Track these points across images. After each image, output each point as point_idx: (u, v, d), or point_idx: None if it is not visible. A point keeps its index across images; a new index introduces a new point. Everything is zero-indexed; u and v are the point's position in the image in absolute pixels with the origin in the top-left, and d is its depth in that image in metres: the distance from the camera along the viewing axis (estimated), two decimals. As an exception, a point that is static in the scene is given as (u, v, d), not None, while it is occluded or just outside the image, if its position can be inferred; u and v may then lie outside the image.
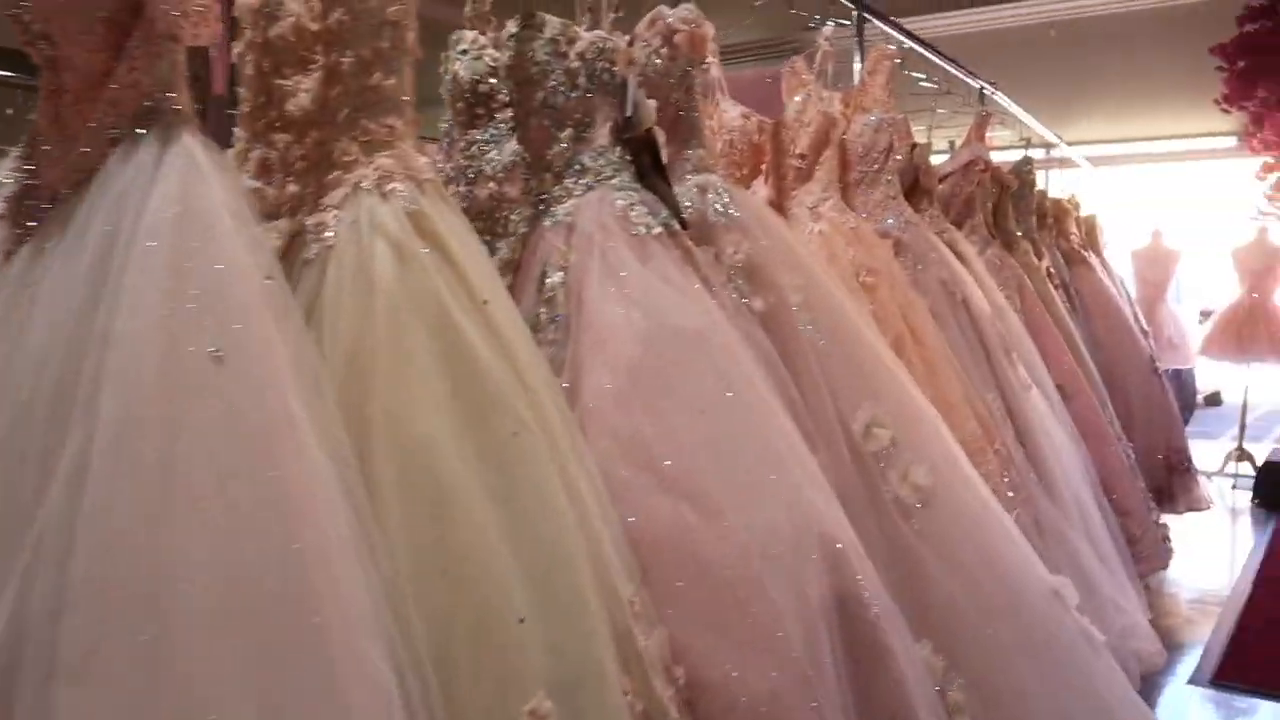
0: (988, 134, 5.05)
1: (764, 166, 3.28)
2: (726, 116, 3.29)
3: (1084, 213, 6.84)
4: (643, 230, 2.15)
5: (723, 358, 2.00)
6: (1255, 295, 7.35)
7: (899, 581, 2.30)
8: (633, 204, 2.19)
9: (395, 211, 1.66)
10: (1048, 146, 7.25)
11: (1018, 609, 2.28)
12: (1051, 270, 5.27)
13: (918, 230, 3.49)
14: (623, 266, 2.09)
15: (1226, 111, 7.64)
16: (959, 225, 4.35)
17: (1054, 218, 5.99)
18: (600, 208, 2.19)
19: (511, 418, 1.62)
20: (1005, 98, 5.46)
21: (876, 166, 3.50)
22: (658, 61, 2.51)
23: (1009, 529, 2.39)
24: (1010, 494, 2.98)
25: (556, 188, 2.28)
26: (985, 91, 5.22)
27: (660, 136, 2.30)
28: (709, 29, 2.55)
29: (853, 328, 2.49)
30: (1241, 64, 7.32)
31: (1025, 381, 3.47)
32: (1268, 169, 7.51)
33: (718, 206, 2.49)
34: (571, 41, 2.28)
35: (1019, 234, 5.05)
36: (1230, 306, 7.49)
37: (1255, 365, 7.39)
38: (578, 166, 2.27)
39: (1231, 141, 8.09)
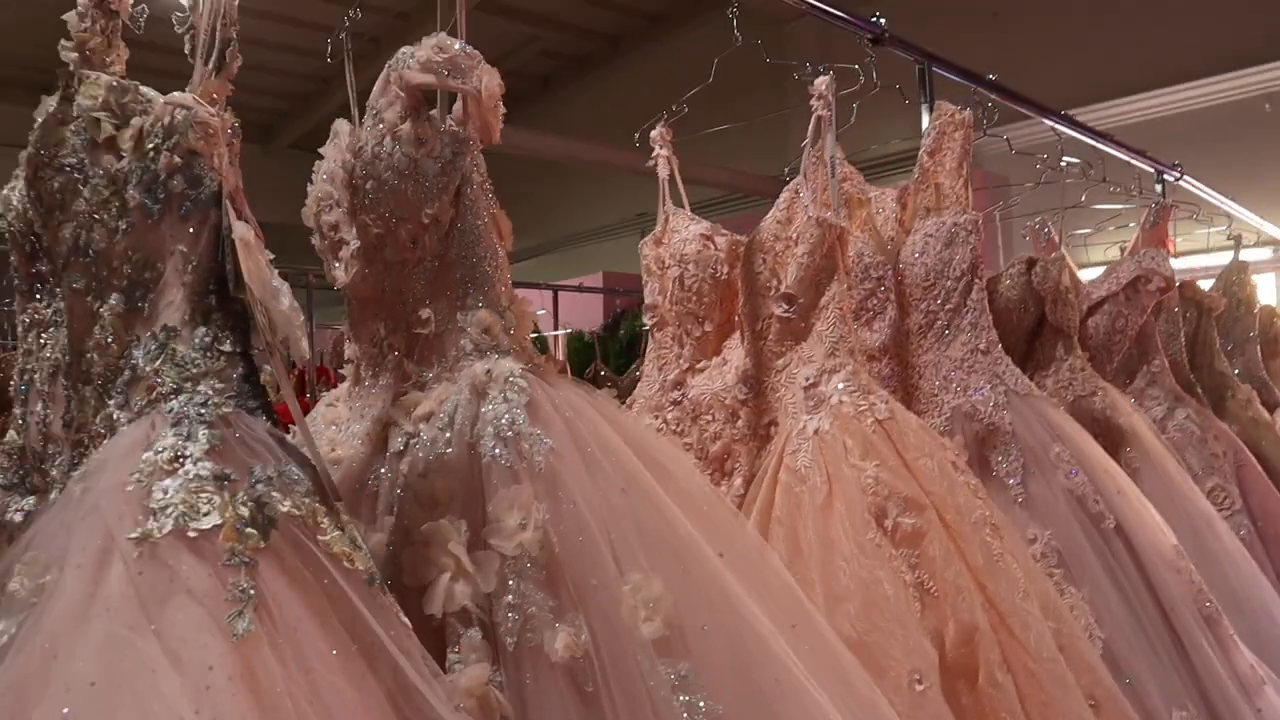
0: (1172, 235, 3.50)
1: (739, 316, 1.95)
2: (678, 239, 2.00)
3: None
4: (167, 525, 0.90)
5: None
6: None
7: None
8: (176, 459, 0.95)
9: None
10: (1274, 244, 5.52)
11: None
12: (1293, 423, 3.59)
13: (1030, 405, 2.05)
14: (81, 628, 0.86)
15: None
16: (1129, 377, 2.83)
17: (1291, 343, 4.28)
18: (118, 470, 0.97)
19: None
20: (1200, 185, 3.89)
21: (953, 302, 2.11)
22: (394, 148, 1.28)
23: None
24: None
25: (99, 416, 1.07)
26: (1167, 178, 3.69)
27: (276, 296, 1.03)
28: (495, 77, 1.31)
29: (788, 686, 1.11)
30: None
31: (1251, 675, 1.91)
32: None
33: (503, 425, 1.19)
34: (123, 117, 1.08)
35: (1233, 373, 3.43)
36: None
37: None
38: (127, 374, 1.06)
39: None
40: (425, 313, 1.32)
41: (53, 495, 1.07)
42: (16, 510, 1.29)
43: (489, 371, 1.25)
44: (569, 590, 1.11)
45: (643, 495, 1.19)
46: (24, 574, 0.95)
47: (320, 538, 0.99)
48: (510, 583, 1.11)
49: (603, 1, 7.99)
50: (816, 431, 1.69)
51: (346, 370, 1.49)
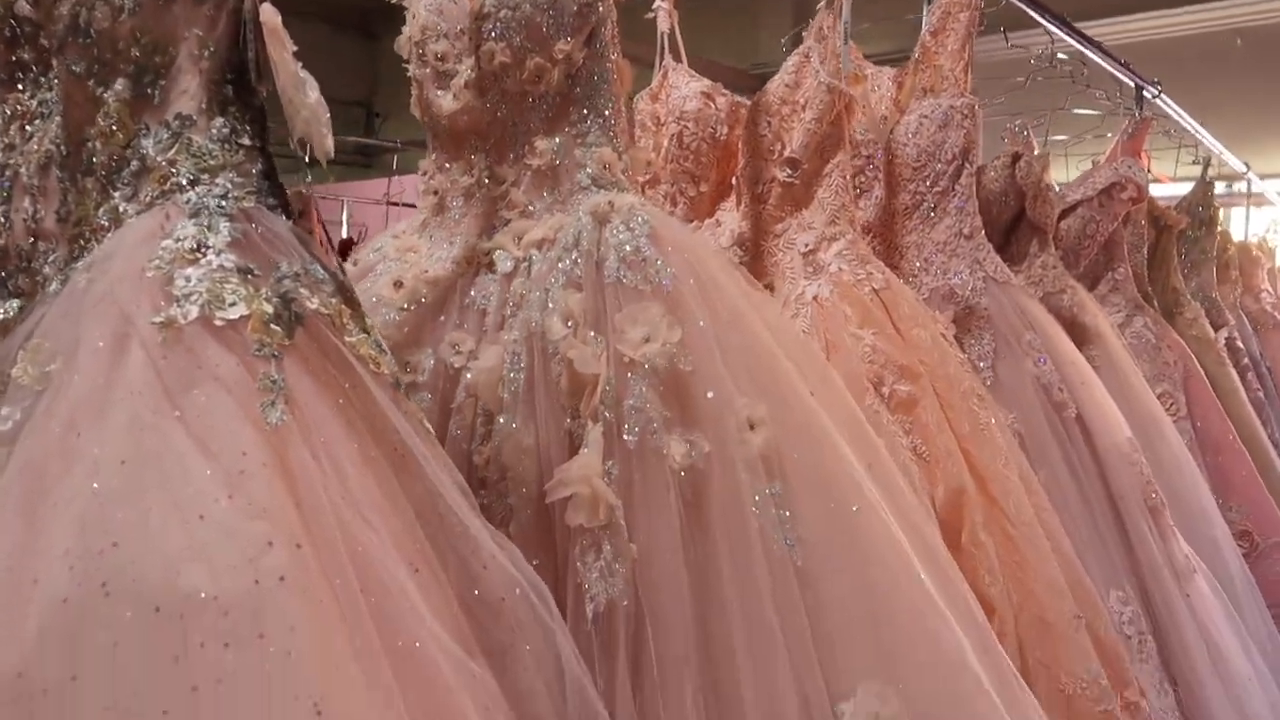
0: (1147, 150, 3.55)
1: (735, 178, 1.95)
2: (677, 95, 1.98)
3: (1280, 262, 5.22)
4: (192, 312, 0.89)
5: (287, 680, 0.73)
6: None
7: None
8: (199, 249, 0.94)
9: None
10: (1230, 179, 5.63)
11: None
12: (1239, 343, 3.72)
13: (1007, 293, 2.09)
14: (103, 410, 0.85)
15: None
16: (1092, 282, 2.90)
17: (1239, 270, 4.40)
18: (131, 258, 0.94)
19: None
20: (1174, 105, 3.92)
21: (941, 185, 2.12)
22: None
23: None
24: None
25: (101, 209, 1.04)
26: (1146, 93, 3.70)
27: (301, 88, 1.00)
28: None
29: (863, 519, 1.18)
30: None
31: (1185, 564, 2.01)
32: None
33: (626, 250, 1.23)
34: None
35: (1186, 291, 3.52)
36: None
37: None
38: (134, 164, 1.03)
39: None
40: (543, 144, 1.34)
41: (52, 287, 1.04)
42: None
43: (611, 202, 1.29)
44: (689, 405, 1.17)
45: (748, 328, 1.25)
46: (28, 361, 0.92)
47: (347, 339, 0.98)
48: (633, 386, 1.16)
49: None
50: (816, 298, 1.71)
51: (424, 202, 1.47)
